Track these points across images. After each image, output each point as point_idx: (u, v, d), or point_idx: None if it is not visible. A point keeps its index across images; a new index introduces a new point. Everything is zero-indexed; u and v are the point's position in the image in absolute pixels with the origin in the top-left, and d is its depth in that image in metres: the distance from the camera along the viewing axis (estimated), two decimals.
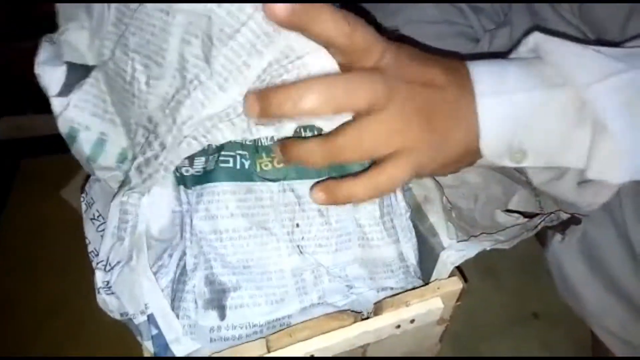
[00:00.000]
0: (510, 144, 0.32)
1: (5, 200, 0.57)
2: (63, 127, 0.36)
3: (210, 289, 0.35)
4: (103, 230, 0.36)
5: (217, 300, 0.35)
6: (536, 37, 0.33)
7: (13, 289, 0.49)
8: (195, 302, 0.34)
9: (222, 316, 0.34)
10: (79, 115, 0.36)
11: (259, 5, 0.30)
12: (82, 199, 0.37)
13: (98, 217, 0.37)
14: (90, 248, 0.37)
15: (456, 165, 0.34)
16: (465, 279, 0.40)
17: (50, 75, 0.36)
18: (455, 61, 0.33)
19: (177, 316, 0.34)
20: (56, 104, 0.36)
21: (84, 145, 0.37)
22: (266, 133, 0.35)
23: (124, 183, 0.35)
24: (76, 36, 0.37)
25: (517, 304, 0.50)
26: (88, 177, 0.39)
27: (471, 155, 0.33)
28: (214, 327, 0.34)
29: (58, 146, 0.69)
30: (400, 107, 0.29)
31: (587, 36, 0.54)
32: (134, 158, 0.36)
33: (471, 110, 0.31)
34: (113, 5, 0.35)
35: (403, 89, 0.30)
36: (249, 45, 0.31)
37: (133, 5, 0.34)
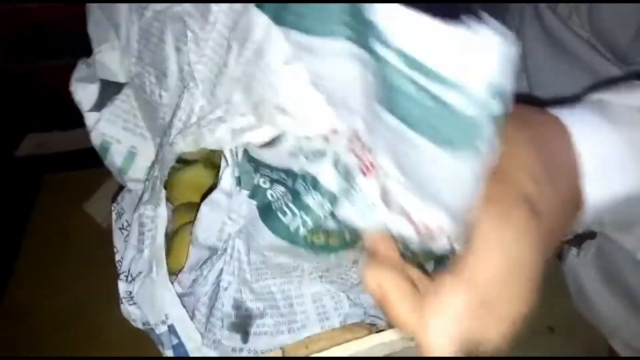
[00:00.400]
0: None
1: (30, 213, 0.58)
2: (96, 140, 0.38)
3: (236, 313, 0.35)
4: None
5: (242, 326, 0.35)
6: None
7: (35, 297, 0.51)
8: (222, 321, 0.35)
9: (245, 340, 0.35)
10: (111, 129, 0.38)
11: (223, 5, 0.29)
12: (113, 208, 0.38)
13: (127, 227, 0.38)
14: (117, 257, 0.38)
15: None
16: None
17: (84, 92, 0.38)
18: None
19: (206, 329, 0.34)
20: (90, 118, 0.38)
21: (115, 157, 0.38)
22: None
23: (143, 192, 0.37)
24: (108, 56, 0.39)
25: (533, 318, 0.50)
26: (118, 191, 0.41)
27: None
28: (236, 348, 0.35)
29: (81, 162, 0.72)
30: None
31: (598, 50, 0.55)
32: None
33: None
34: (137, 23, 0.37)
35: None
36: (220, 45, 0.30)
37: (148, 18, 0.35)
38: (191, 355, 0.34)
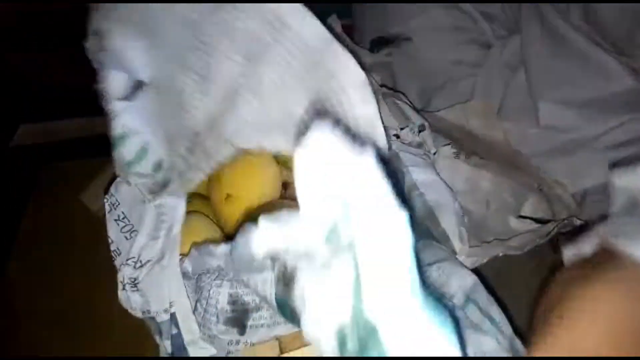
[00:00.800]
0: None
1: (26, 204, 0.58)
2: (116, 129, 0.38)
3: (233, 308, 0.35)
4: (128, 231, 0.38)
5: (239, 320, 0.35)
6: None
7: (31, 291, 0.51)
8: (217, 316, 0.35)
9: (242, 333, 0.35)
10: (132, 121, 0.39)
11: (299, 23, 0.32)
12: (105, 200, 0.39)
13: (123, 218, 0.39)
14: (113, 247, 0.38)
15: None
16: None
17: (114, 80, 0.39)
18: None
19: (202, 324, 0.34)
20: (116, 106, 0.39)
21: (129, 148, 0.39)
22: None
23: (161, 187, 0.38)
24: (132, 53, 0.39)
25: (531, 311, 0.50)
26: (112, 180, 0.40)
27: None
28: (232, 340, 0.35)
29: (77, 152, 0.71)
30: None
31: (598, 42, 0.55)
32: (170, 167, 0.38)
33: None
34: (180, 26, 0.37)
35: None
36: (286, 65, 0.34)
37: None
38: (187, 347, 0.34)
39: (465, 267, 0.38)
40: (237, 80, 0.36)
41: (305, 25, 0.34)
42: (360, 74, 0.34)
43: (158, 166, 0.40)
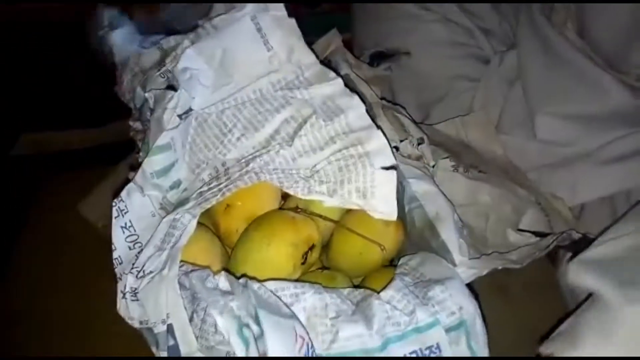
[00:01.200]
0: None
1: (25, 214, 0.58)
2: (163, 139, 0.41)
3: None
4: (132, 241, 0.38)
5: None
6: None
7: (30, 299, 0.50)
8: (215, 326, 0.35)
9: None
10: (172, 137, 0.42)
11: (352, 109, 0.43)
12: (114, 204, 0.38)
13: (129, 227, 0.39)
14: (115, 255, 0.38)
15: None
16: (477, 298, 0.40)
17: (182, 97, 0.43)
18: None
19: (199, 335, 0.34)
20: (173, 120, 0.42)
21: (162, 160, 0.41)
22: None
23: (171, 205, 0.40)
24: (195, 91, 0.44)
25: (530, 325, 0.50)
26: (121, 187, 0.40)
27: None
28: (230, 351, 0.35)
29: (76, 162, 0.71)
30: None
31: (592, 57, 0.56)
32: (187, 189, 0.42)
33: None
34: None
35: None
36: (326, 136, 0.42)
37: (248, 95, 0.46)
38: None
39: (469, 290, 0.39)
40: (279, 132, 0.43)
41: (351, 108, 0.44)
42: (390, 158, 0.41)
43: (176, 185, 0.42)
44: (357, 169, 0.40)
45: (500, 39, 0.65)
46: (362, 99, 0.48)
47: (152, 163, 0.41)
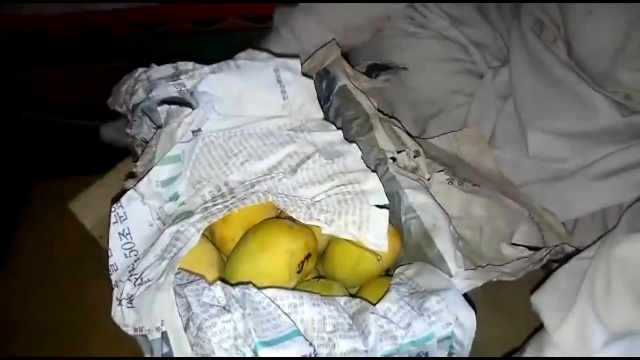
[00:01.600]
0: None
1: (18, 219, 0.57)
2: (174, 151, 0.43)
3: None
4: (128, 249, 0.38)
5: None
6: None
7: (23, 304, 0.50)
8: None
9: None
10: (180, 150, 0.44)
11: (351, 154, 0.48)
12: (113, 209, 0.38)
13: (127, 234, 0.39)
14: (111, 261, 0.38)
15: None
16: (474, 308, 0.40)
17: (198, 114, 0.46)
18: None
19: (194, 342, 0.34)
20: (187, 134, 0.45)
21: (168, 171, 0.43)
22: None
23: (183, 216, 0.41)
24: (209, 114, 0.47)
25: (526, 336, 0.50)
26: (121, 193, 0.40)
27: None
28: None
29: (70, 167, 0.71)
30: None
31: (581, 74, 0.57)
32: (182, 203, 0.43)
33: None
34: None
35: None
36: (325, 173, 0.46)
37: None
38: None
39: (467, 303, 0.39)
40: (282, 164, 0.46)
41: (349, 153, 0.48)
42: (383, 198, 0.44)
43: (174, 197, 0.43)
44: (355, 204, 0.44)
45: (494, 54, 0.66)
46: (360, 109, 0.49)
47: (160, 172, 0.42)
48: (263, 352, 0.32)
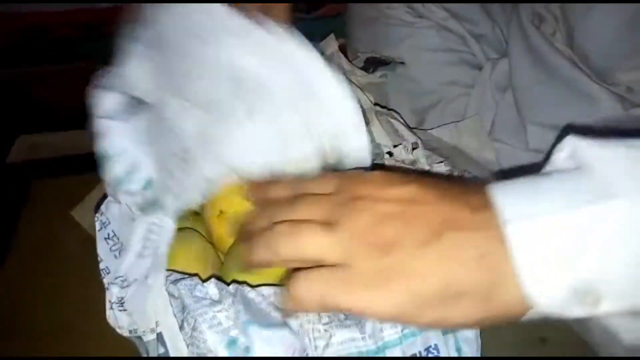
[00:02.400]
0: (570, 283, 0.23)
1: (17, 220, 0.58)
2: (102, 147, 0.39)
3: None
4: (117, 249, 0.38)
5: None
6: (573, 143, 0.27)
7: (22, 306, 0.50)
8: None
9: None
10: (120, 140, 0.40)
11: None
12: (96, 219, 0.39)
13: (112, 237, 0.39)
14: (102, 266, 0.38)
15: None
16: None
17: (101, 98, 0.40)
18: (477, 193, 0.26)
19: (187, 344, 0.34)
20: (101, 124, 0.40)
21: (118, 167, 0.39)
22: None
23: (152, 205, 0.39)
24: (137, 73, 0.40)
25: (526, 329, 0.50)
26: (103, 198, 0.40)
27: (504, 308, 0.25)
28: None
29: (69, 167, 0.71)
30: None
31: (580, 67, 0.56)
32: (162, 187, 0.39)
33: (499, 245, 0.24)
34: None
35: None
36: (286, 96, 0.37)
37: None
38: None
39: None
40: (232, 103, 0.38)
41: (308, 61, 0.37)
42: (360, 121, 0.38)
43: (148, 184, 0.40)
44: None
45: (493, 45, 0.65)
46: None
47: (110, 173, 0.40)
48: (252, 330, 0.32)
